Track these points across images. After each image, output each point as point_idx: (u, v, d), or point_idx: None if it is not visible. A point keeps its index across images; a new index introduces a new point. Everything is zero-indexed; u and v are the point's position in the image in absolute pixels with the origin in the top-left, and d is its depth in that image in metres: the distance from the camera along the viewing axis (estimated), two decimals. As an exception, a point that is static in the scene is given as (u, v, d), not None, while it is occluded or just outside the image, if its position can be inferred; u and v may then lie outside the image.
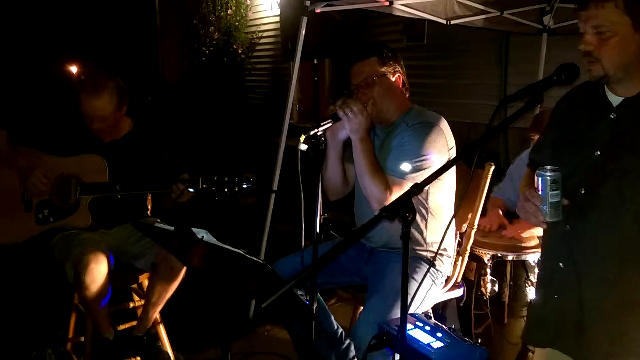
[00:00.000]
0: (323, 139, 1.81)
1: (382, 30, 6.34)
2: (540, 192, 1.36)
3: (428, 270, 1.99)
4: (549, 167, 1.35)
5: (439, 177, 2.01)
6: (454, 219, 2.19)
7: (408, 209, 1.21)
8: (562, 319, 1.46)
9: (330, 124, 1.90)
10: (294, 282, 1.12)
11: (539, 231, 2.51)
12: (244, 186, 2.08)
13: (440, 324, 1.45)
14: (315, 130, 1.80)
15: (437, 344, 1.34)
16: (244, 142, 7.79)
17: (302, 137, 1.74)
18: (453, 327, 1.41)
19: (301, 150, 1.75)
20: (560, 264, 1.45)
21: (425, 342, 1.35)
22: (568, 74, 1.41)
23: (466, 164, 2.24)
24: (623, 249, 1.36)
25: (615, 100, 1.44)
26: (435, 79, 5.71)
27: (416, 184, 1.25)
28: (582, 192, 1.41)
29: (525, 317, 2.45)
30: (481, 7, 3.66)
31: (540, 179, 1.36)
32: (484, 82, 5.55)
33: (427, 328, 1.41)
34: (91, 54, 10.18)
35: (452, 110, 5.71)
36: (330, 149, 2.11)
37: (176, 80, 9.69)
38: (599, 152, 1.41)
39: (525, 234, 2.52)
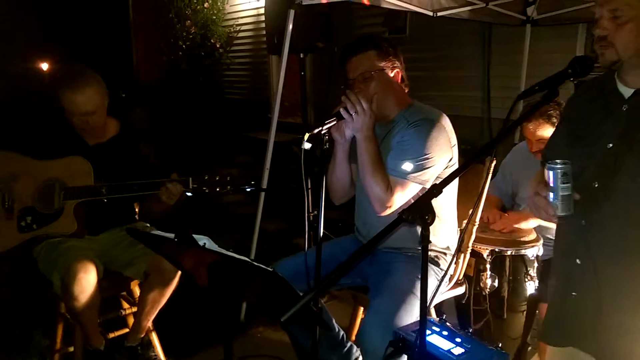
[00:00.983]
0: (327, 137, 1.74)
1: (363, 23, 6.30)
2: (551, 186, 1.35)
3: (444, 275, 1.94)
4: (558, 160, 1.34)
5: (439, 175, 2.00)
6: (455, 216, 2.17)
7: (428, 211, 1.16)
8: (581, 316, 1.44)
9: (334, 123, 1.84)
10: (313, 294, 1.06)
11: (527, 224, 2.51)
12: (248, 189, 1.99)
13: (456, 328, 1.40)
14: (320, 128, 1.73)
15: (457, 350, 1.29)
16: (223, 138, 7.67)
17: (306, 136, 1.67)
18: (470, 330, 1.37)
19: (305, 149, 1.68)
20: (578, 260, 1.43)
21: (446, 348, 1.30)
22: (583, 66, 1.37)
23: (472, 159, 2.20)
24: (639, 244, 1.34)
25: (627, 92, 1.42)
26: (417, 72, 5.67)
27: (435, 185, 1.20)
28: (596, 185, 1.39)
29: (524, 312, 2.44)
30: (467, -2, 3.65)
31: (550, 172, 1.35)
32: (466, 74, 5.56)
33: (445, 333, 1.36)
34: (62, 50, 9.87)
35: (434, 103, 5.66)
36: (339, 147, 2.04)
37: (152, 76, 9.48)
38: (611, 145, 1.39)
39: (513, 226, 2.51)
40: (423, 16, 3.65)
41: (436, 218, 2.02)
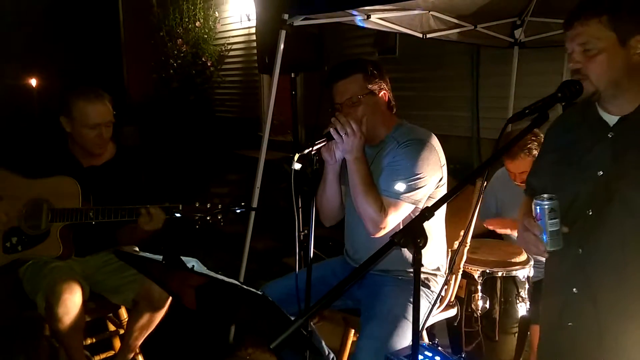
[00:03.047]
0: (317, 158, 1.74)
1: (353, 43, 6.36)
2: (539, 222, 1.36)
3: (437, 298, 1.93)
4: (545, 195, 1.35)
5: (430, 196, 2.00)
6: (445, 237, 2.17)
7: (420, 235, 1.15)
8: (581, 347, 1.43)
9: (324, 143, 1.84)
10: (304, 319, 1.04)
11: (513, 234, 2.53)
12: (237, 211, 1.98)
13: (449, 353, 1.38)
14: (310, 149, 1.73)
15: (450, 376, 1.28)
16: (214, 155, 7.65)
17: (296, 156, 1.67)
18: (464, 355, 1.35)
19: (295, 169, 1.67)
20: (574, 289, 1.42)
21: (439, 374, 1.29)
22: (572, 90, 1.38)
23: (459, 180, 2.20)
24: (638, 269, 1.34)
25: (610, 119, 1.44)
26: (407, 92, 5.75)
27: (427, 208, 1.19)
28: (590, 213, 1.40)
29: (516, 334, 2.43)
30: (456, 21, 3.70)
31: (538, 208, 1.36)
32: (455, 95, 5.62)
33: (437, 358, 1.34)
34: (53, 67, 9.85)
35: (423, 123, 5.72)
36: (329, 168, 2.03)
37: (143, 94, 9.46)
38: (601, 173, 1.40)
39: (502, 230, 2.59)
40: (413, 37, 3.69)
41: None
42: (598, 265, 1.39)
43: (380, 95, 2.03)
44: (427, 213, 1.18)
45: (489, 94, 5.24)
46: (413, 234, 1.15)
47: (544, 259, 1.85)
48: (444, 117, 5.63)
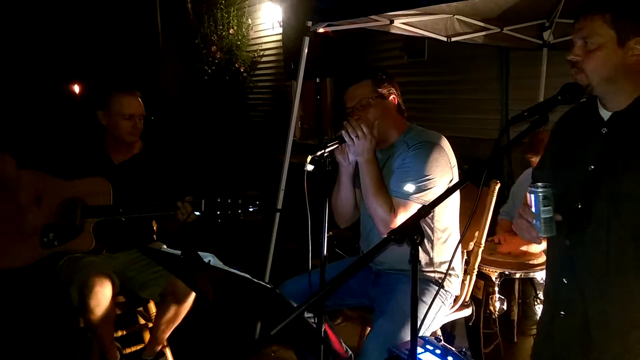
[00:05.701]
0: (330, 159, 1.82)
1: (382, 48, 6.39)
2: (532, 209, 1.40)
3: (437, 292, 1.98)
4: (540, 184, 1.39)
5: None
6: (459, 238, 2.19)
7: (416, 231, 1.20)
8: (570, 336, 1.47)
9: (336, 145, 1.91)
10: (302, 308, 1.11)
11: (534, 247, 2.51)
12: (250, 209, 2.08)
13: (450, 347, 1.43)
14: (322, 151, 1.81)
15: (447, 368, 1.32)
16: (247, 159, 7.82)
17: (309, 158, 1.75)
18: (464, 349, 1.40)
19: (307, 170, 1.75)
20: (564, 280, 1.46)
21: (436, 366, 1.33)
22: (572, 92, 1.41)
23: (471, 182, 2.23)
24: (622, 263, 1.37)
25: (606, 115, 1.47)
26: (437, 95, 5.74)
27: (424, 206, 1.25)
28: (579, 206, 1.43)
29: (534, 336, 2.43)
30: (481, 24, 3.69)
31: (532, 195, 1.39)
32: (485, 97, 5.57)
33: (438, 352, 1.39)
34: (95, 75, 10.29)
35: (453, 126, 5.72)
36: (343, 171, 2.11)
37: (179, 99, 9.76)
38: (592, 167, 1.43)
39: (520, 249, 2.53)
40: (441, 40, 3.70)
41: (440, 239, 2.09)
42: (583, 257, 1.42)
43: (390, 99, 2.10)
44: (424, 211, 1.23)
45: (519, 96, 5.18)
46: (410, 230, 1.21)
47: None
48: (474, 120, 5.59)
